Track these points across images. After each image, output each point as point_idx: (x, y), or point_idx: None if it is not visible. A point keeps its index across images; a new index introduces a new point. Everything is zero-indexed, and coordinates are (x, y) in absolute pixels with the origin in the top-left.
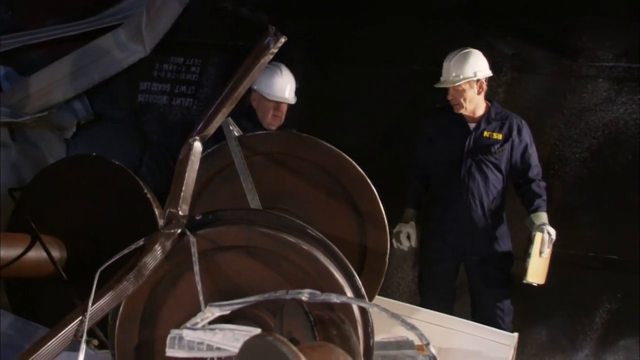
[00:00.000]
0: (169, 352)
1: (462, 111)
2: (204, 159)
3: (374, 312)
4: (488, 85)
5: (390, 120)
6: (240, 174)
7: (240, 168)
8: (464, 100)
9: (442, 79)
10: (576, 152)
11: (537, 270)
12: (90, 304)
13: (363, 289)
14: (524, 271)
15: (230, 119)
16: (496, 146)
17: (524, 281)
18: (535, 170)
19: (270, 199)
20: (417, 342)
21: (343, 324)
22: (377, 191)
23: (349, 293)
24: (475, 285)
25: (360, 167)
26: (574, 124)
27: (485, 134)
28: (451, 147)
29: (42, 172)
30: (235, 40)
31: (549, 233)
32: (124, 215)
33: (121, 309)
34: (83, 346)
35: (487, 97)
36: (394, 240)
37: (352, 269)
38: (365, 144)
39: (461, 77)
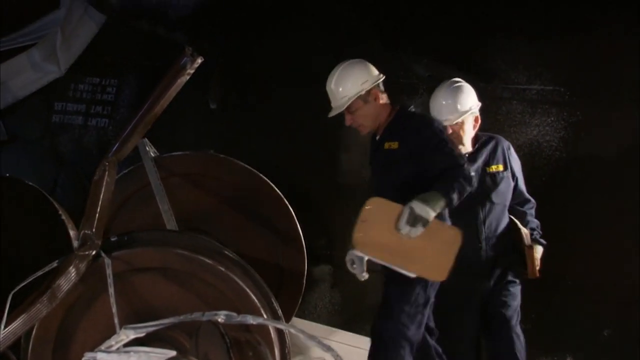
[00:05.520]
0: None
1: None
2: (120, 180)
3: (291, 334)
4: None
5: (308, 140)
6: (157, 195)
7: (156, 189)
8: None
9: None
10: None
11: None
12: (2, 327)
13: (280, 311)
14: None
15: (146, 140)
16: None
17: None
18: None
19: (188, 220)
20: None
21: (259, 345)
22: (295, 212)
23: (266, 314)
24: None
25: (277, 188)
26: None
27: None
28: None
29: None
30: (152, 61)
31: None
32: (38, 236)
33: (34, 331)
34: None
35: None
36: None
37: (269, 290)
38: (283, 164)
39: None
